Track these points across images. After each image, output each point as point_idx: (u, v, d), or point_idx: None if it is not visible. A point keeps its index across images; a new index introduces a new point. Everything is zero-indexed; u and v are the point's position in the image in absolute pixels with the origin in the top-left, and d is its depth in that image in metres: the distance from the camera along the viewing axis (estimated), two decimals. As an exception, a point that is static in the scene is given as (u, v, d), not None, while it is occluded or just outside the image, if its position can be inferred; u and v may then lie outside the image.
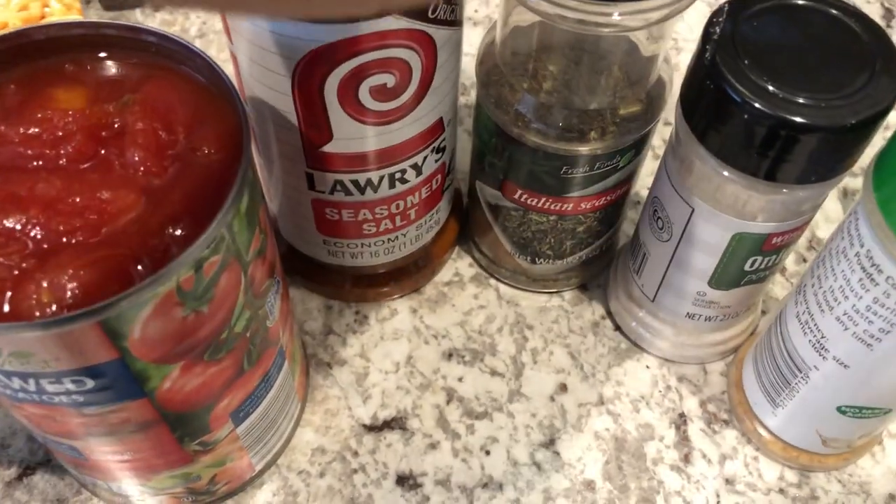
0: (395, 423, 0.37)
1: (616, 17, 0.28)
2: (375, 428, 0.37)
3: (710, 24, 0.29)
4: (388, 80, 0.29)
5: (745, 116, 0.28)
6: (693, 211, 0.32)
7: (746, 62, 0.28)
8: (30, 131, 0.26)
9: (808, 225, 0.33)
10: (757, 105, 0.27)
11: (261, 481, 0.35)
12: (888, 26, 0.53)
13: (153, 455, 0.29)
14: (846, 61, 0.28)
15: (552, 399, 0.38)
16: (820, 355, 0.32)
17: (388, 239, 0.37)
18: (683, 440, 0.37)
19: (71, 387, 0.24)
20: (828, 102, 0.27)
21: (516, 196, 0.36)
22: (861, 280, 0.28)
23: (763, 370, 0.35)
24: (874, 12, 0.54)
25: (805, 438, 0.35)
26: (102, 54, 0.27)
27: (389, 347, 0.39)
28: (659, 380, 0.39)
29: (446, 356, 0.39)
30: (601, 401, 0.38)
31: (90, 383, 0.24)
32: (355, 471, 0.36)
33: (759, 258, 0.33)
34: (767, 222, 0.31)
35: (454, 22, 0.30)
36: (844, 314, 0.30)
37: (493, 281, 0.42)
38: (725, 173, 0.30)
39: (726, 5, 0.30)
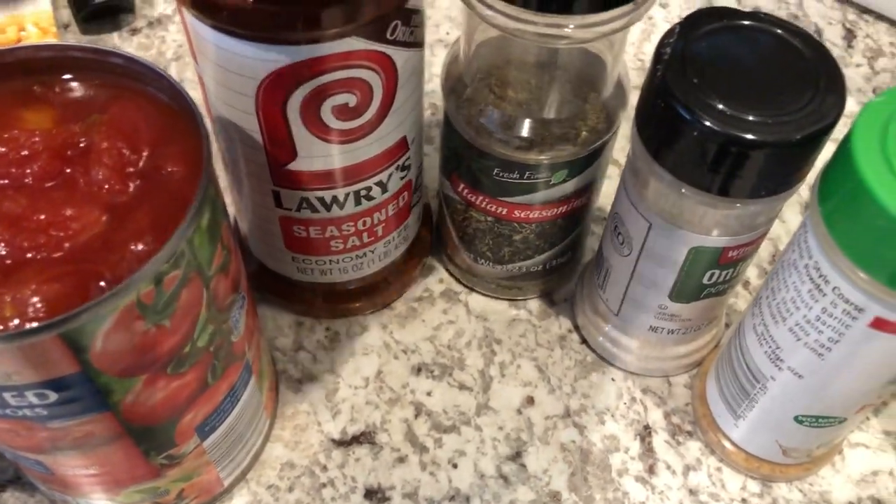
0: (363, 438, 0.38)
1: (569, 30, 0.29)
2: (344, 443, 0.38)
3: (662, 44, 0.30)
4: (350, 99, 0.30)
5: (696, 134, 0.29)
6: (650, 226, 0.33)
7: (696, 81, 0.29)
8: (-4, 151, 0.26)
9: (765, 238, 0.34)
10: (707, 123, 0.28)
11: (230, 496, 0.36)
12: (850, 46, 0.55)
13: (120, 469, 0.29)
14: (792, 79, 0.29)
15: (519, 412, 0.39)
16: (776, 366, 0.32)
17: (357, 255, 0.38)
18: (648, 452, 0.38)
19: (34, 400, 0.24)
20: (775, 119, 0.28)
21: (460, 189, 0.37)
22: (810, 291, 0.29)
23: (724, 382, 0.36)
24: (836, 33, 0.55)
25: (766, 449, 0.36)
26: (69, 76, 0.28)
27: (359, 363, 0.40)
28: (624, 392, 0.40)
29: (415, 371, 0.40)
30: (567, 413, 0.39)
31: (53, 396, 0.24)
32: (324, 485, 0.36)
33: (717, 272, 0.34)
34: (723, 236, 0.32)
35: (414, 44, 0.31)
36: (796, 325, 0.31)
37: (462, 296, 0.42)
38: (681, 190, 0.31)
39: (677, 26, 0.31)
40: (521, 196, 0.36)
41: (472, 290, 0.42)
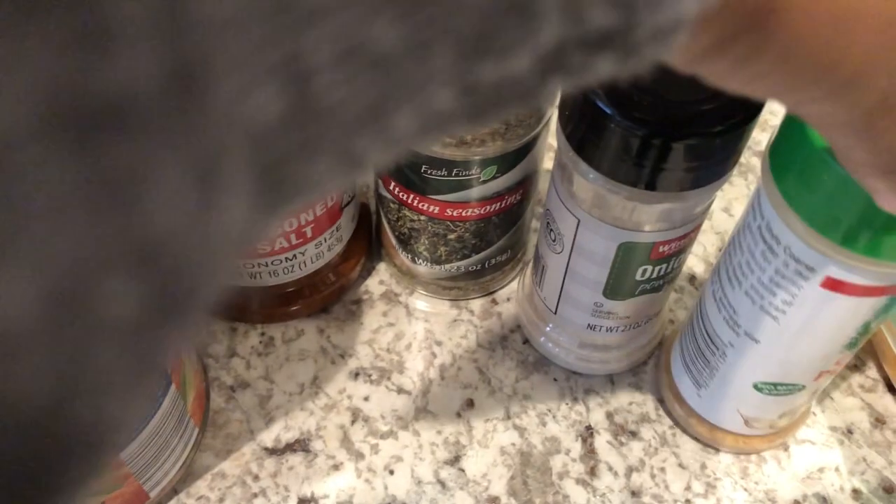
0: (297, 445, 0.37)
1: None
2: (277, 451, 0.36)
3: None
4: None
5: (617, 129, 0.28)
6: (579, 222, 0.32)
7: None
8: None
9: (697, 232, 0.33)
10: (627, 117, 0.28)
11: (157, 509, 0.35)
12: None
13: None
14: None
15: (459, 415, 0.38)
16: (734, 331, 0.32)
17: (286, 258, 0.37)
18: (590, 453, 0.37)
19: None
20: (697, 110, 0.28)
21: (391, 188, 0.36)
22: (763, 252, 0.29)
23: (687, 352, 0.36)
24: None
25: (728, 419, 0.36)
26: None
27: (295, 368, 0.39)
28: (566, 392, 0.39)
29: (353, 375, 0.39)
30: (508, 415, 0.38)
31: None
32: (256, 495, 0.35)
33: (650, 267, 0.33)
34: (652, 231, 0.31)
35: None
36: (752, 287, 0.30)
37: (402, 297, 0.42)
38: (607, 186, 0.30)
39: None
40: (451, 194, 0.35)
41: (412, 290, 0.42)
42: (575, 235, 0.33)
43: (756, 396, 0.34)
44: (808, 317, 0.29)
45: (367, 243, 0.42)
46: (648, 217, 0.31)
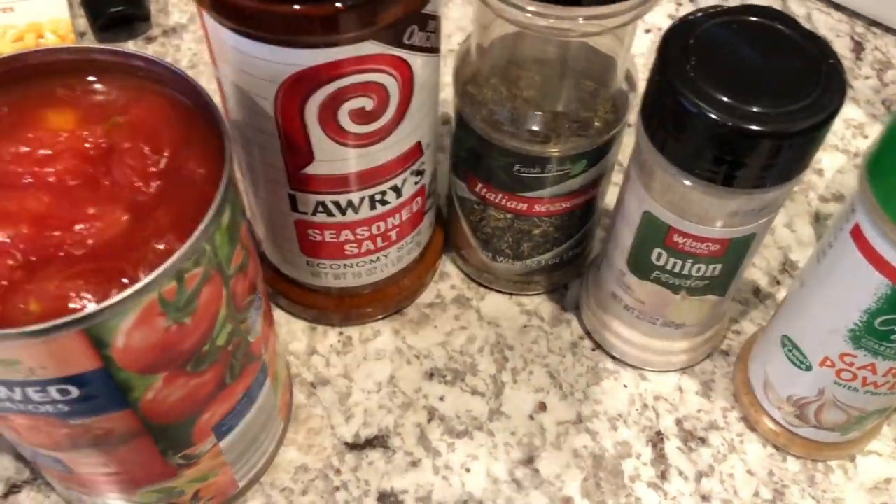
0: (376, 442, 0.38)
1: (580, 23, 0.30)
2: (357, 446, 0.38)
3: (666, 39, 0.31)
4: (367, 103, 0.31)
5: (700, 125, 0.29)
6: (627, 179, 0.35)
7: (700, 74, 0.29)
8: (21, 150, 0.27)
9: (718, 243, 0.33)
10: (710, 114, 0.29)
11: (244, 499, 0.36)
12: (858, 59, 0.55)
13: (137, 468, 0.30)
14: (792, 73, 0.30)
15: (531, 418, 0.39)
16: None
17: (371, 260, 0.38)
18: (660, 458, 0.38)
19: (56, 396, 0.25)
20: (776, 111, 0.29)
21: (477, 189, 0.38)
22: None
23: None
24: (844, 46, 0.56)
25: (754, 373, 0.38)
26: (92, 78, 0.28)
27: (372, 367, 0.40)
28: (636, 399, 0.40)
29: (428, 376, 0.40)
30: (579, 419, 0.39)
31: (75, 392, 0.24)
32: (337, 488, 0.36)
33: (664, 253, 0.34)
34: (668, 211, 0.33)
35: (430, 49, 0.31)
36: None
37: (474, 302, 0.43)
38: (686, 182, 0.31)
39: (681, 21, 0.31)
40: (541, 190, 0.36)
41: (489, 288, 0.43)
42: (623, 193, 0.35)
43: (779, 355, 0.35)
44: (833, 266, 0.32)
45: (440, 248, 0.43)
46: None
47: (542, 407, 0.39)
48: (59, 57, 0.28)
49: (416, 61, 0.31)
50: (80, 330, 0.22)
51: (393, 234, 0.37)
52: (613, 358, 0.41)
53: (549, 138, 0.34)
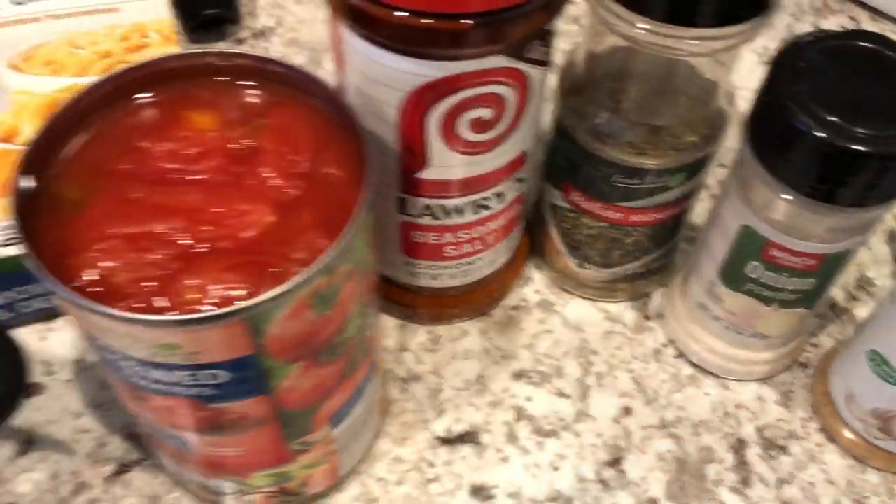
0: (468, 437, 0.39)
1: (687, 42, 0.32)
2: (450, 441, 0.39)
3: (777, 60, 0.32)
4: (485, 113, 0.32)
5: (807, 143, 0.30)
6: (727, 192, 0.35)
7: (809, 95, 0.31)
8: (170, 148, 0.28)
9: (817, 259, 0.34)
10: (818, 133, 0.30)
11: (344, 487, 0.37)
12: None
13: (258, 452, 0.31)
14: None
15: (616, 421, 0.40)
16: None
17: (467, 262, 0.39)
18: (742, 464, 0.39)
19: (205, 380, 0.26)
20: (882, 133, 0.30)
21: (572, 197, 0.39)
22: None
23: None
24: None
25: (835, 386, 0.39)
26: (236, 82, 0.30)
27: (461, 366, 0.42)
28: (717, 406, 0.41)
29: (515, 377, 0.41)
30: (663, 424, 0.40)
31: (223, 377, 0.26)
32: (430, 480, 0.38)
33: (760, 266, 0.35)
34: (770, 227, 0.34)
35: (545, 62, 0.33)
36: None
37: (558, 307, 0.44)
38: (786, 196, 0.32)
39: (792, 44, 0.32)
40: (640, 200, 0.37)
41: (572, 293, 0.44)
42: (720, 208, 0.36)
43: (865, 369, 0.36)
44: None
45: (526, 253, 0.44)
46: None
47: (627, 411, 0.40)
48: (202, 61, 0.30)
49: (533, 73, 0.32)
50: (242, 319, 0.24)
51: (490, 239, 0.39)
52: (696, 366, 0.42)
53: (649, 151, 0.36)
